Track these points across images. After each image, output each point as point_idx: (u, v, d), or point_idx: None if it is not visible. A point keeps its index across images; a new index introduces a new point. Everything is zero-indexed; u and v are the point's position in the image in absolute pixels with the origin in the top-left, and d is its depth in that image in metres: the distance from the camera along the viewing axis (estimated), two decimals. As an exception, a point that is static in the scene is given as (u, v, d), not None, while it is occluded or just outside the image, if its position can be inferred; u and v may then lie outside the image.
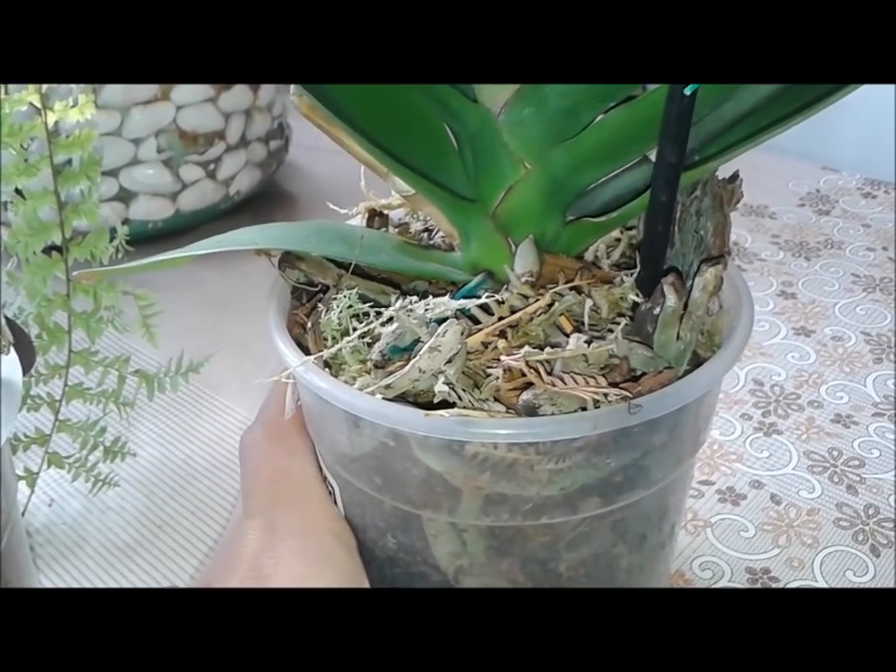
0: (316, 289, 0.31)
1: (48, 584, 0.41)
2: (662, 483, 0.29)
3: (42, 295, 0.40)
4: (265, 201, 0.75)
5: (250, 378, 0.48)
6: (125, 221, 0.65)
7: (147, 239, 0.62)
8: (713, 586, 0.40)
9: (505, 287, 0.29)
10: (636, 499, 0.28)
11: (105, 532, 0.44)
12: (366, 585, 0.29)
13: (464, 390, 0.26)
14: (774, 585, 0.40)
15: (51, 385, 0.42)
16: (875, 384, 0.54)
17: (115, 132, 0.63)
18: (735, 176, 0.30)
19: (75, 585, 0.41)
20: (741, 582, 0.40)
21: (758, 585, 0.40)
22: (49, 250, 0.39)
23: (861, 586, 0.40)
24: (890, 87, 0.79)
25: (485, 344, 0.27)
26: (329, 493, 0.32)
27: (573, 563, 0.29)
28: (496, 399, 0.26)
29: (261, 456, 0.31)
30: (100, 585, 0.41)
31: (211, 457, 0.49)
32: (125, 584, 0.41)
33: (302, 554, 0.28)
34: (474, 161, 0.29)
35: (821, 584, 0.40)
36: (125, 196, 0.65)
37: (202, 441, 0.49)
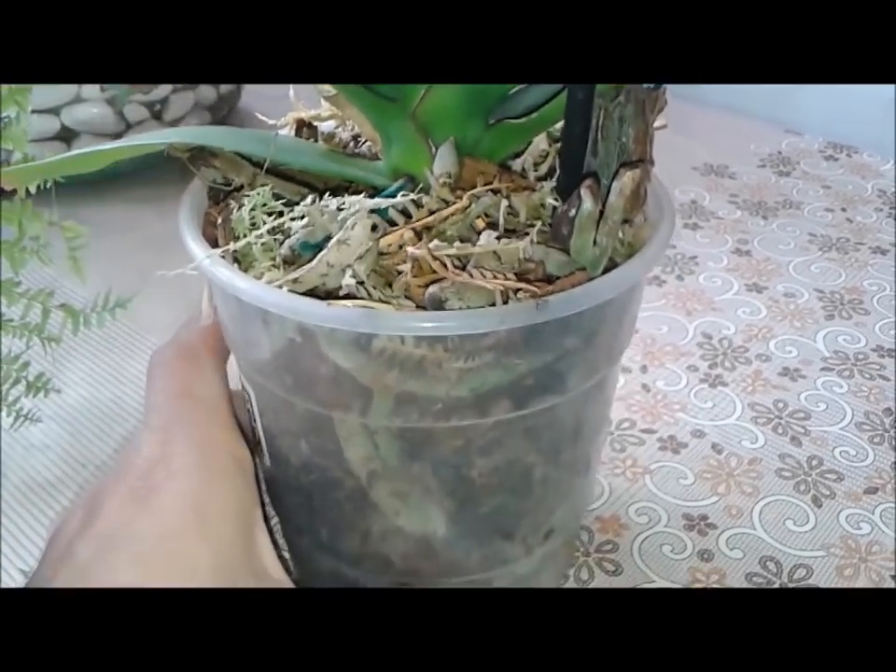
0: (232, 189, 0.30)
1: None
2: (576, 391, 0.28)
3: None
4: (216, 148, 0.73)
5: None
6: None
7: (88, 181, 0.60)
8: (651, 530, 0.40)
9: (425, 191, 0.28)
10: (548, 405, 0.27)
11: (27, 469, 0.42)
12: (258, 514, 0.29)
13: (374, 287, 0.25)
14: (711, 532, 0.40)
15: (-29, 316, 0.40)
16: (826, 339, 0.53)
17: (57, 69, 0.61)
18: (659, 83, 0.29)
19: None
20: (678, 528, 0.40)
21: (694, 532, 0.40)
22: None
23: (801, 535, 0.40)
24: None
25: (401, 246, 0.26)
26: (245, 403, 0.31)
27: (486, 469, 0.28)
28: (407, 297, 0.25)
29: (168, 374, 0.31)
30: (19, 522, 0.40)
31: (141, 398, 0.47)
32: (45, 521, 0.40)
33: (197, 468, 0.28)
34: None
35: (760, 532, 0.40)
36: (67, 135, 0.63)
37: (132, 381, 0.48)
